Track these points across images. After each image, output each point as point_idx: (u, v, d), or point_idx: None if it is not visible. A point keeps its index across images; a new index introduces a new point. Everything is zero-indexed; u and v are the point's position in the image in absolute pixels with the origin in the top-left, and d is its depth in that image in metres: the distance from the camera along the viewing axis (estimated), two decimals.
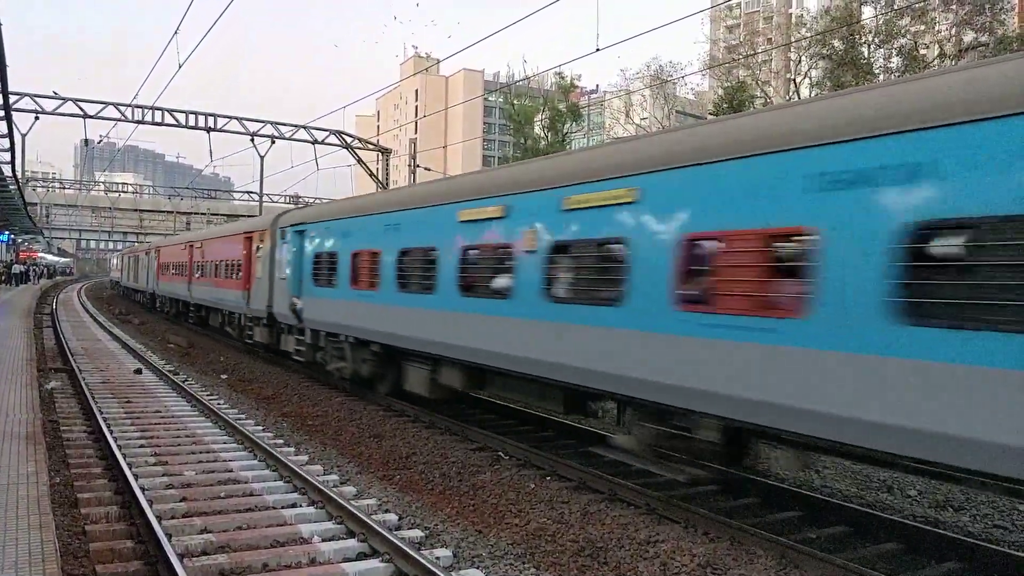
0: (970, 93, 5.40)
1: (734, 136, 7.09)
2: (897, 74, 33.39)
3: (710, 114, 43.79)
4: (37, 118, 32.16)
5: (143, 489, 8.00)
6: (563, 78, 58.93)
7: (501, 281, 9.96)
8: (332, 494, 8.00)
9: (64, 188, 76.02)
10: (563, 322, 8.80)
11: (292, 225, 17.57)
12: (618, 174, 8.17)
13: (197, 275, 28.03)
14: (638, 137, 10.51)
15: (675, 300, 7.26)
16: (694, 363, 7.06)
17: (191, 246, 29.56)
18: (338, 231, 15.21)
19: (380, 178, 41.36)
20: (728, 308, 6.76)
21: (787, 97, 41.74)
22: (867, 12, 36.52)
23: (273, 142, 38.46)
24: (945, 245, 5.36)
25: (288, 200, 65.92)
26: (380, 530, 6.93)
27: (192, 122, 35.88)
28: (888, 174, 5.64)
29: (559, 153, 12.23)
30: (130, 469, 8.67)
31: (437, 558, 6.65)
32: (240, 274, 21.57)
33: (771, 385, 6.37)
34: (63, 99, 33.27)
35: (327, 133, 39.13)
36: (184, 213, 73.38)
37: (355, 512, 7.40)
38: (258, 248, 20.06)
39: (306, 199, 64.90)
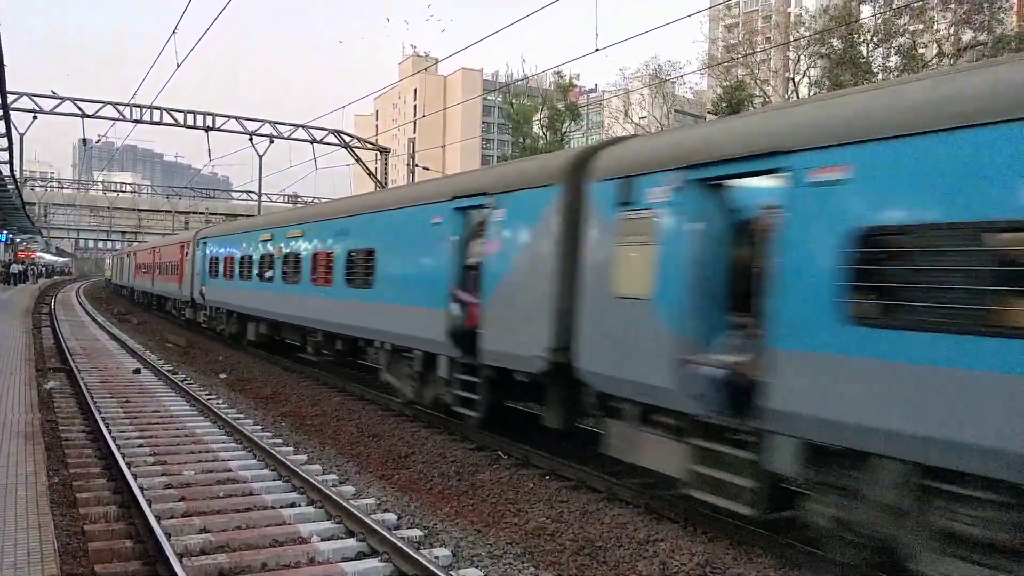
0: (370, 203, 14.45)
1: (301, 215, 19.01)
2: (896, 73, 33.40)
3: (709, 113, 43.83)
4: (35, 117, 32.20)
5: (142, 489, 7.99)
6: (562, 77, 58.88)
7: (269, 273, 18.87)
8: (331, 493, 8.00)
9: (62, 188, 75.90)
10: (287, 294, 17.52)
11: (202, 238, 26.62)
12: (299, 223, 17.63)
13: (156, 273, 36.30)
14: (307, 207, 24.62)
15: (312, 280, 16.07)
16: (301, 308, 16.57)
17: (154, 251, 37.65)
18: (219, 243, 24.51)
19: (379, 177, 41.34)
20: (314, 282, 15.89)
21: (786, 96, 41.75)
22: (866, 11, 36.52)
23: (272, 141, 38.42)
24: (359, 258, 13.79)
25: (287, 199, 65.86)
26: (379, 529, 6.93)
27: (190, 121, 35.86)
28: (342, 232, 14.59)
29: (288, 210, 27.07)
30: (129, 469, 8.66)
31: (436, 557, 6.66)
32: (178, 272, 30.18)
33: (319, 313, 15.54)
34: (61, 98, 33.25)
35: (326, 132, 39.10)
36: (183, 212, 73.23)
37: (354, 511, 7.40)
38: (187, 253, 28.42)
39: (304, 199, 64.91)
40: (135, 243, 62.13)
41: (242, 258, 21.38)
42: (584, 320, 8.25)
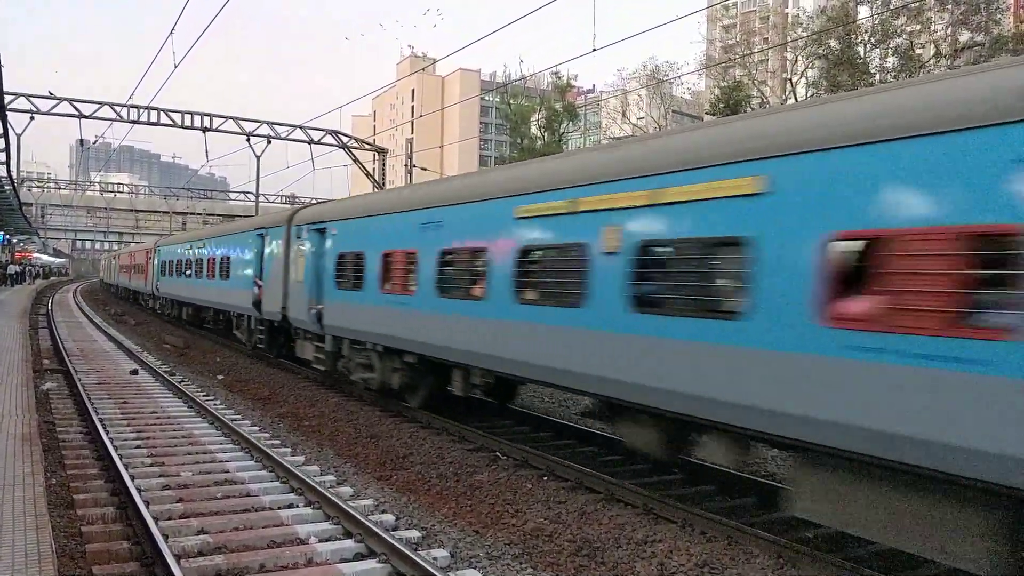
0: (227, 229, 25.79)
1: (205, 233, 29.45)
2: (893, 74, 33.43)
3: (707, 114, 43.85)
4: (32, 118, 32.12)
5: (140, 490, 7.99)
6: (559, 78, 58.92)
7: (189, 271, 27.57)
8: (329, 495, 7.99)
9: (59, 188, 75.75)
10: (197, 285, 26.44)
11: (158, 246, 35.76)
12: (203, 238, 26.91)
13: (132, 272, 45.51)
14: (205, 227, 41.22)
15: (207, 276, 25.04)
16: (203, 294, 25.81)
17: (131, 254, 48.05)
18: (166, 250, 33.32)
19: (377, 178, 41.31)
20: (207, 277, 25.03)
21: (783, 97, 41.78)
22: (863, 12, 36.58)
23: (269, 142, 38.35)
24: (223, 261, 23.14)
25: (284, 200, 65.81)
26: (377, 530, 6.93)
27: (188, 122, 35.80)
28: (217, 245, 24.26)
29: (204, 228, 37.93)
30: (126, 470, 8.65)
31: (434, 558, 6.65)
32: (144, 271, 39.48)
33: (209, 296, 24.95)
34: (58, 99, 33.18)
35: (323, 133, 39.07)
36: (180, 213, 73.21)
37: (352, 512, 7.40)
38: (151, 257, 37.20)
39: (302, 199, 64.90)
40: (131, 245, 62.94)
41: (177, 261, 30.41)
42: (289, 293, 16.71)
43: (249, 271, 19.87)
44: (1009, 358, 4.69)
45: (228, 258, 22.30)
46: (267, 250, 18.55)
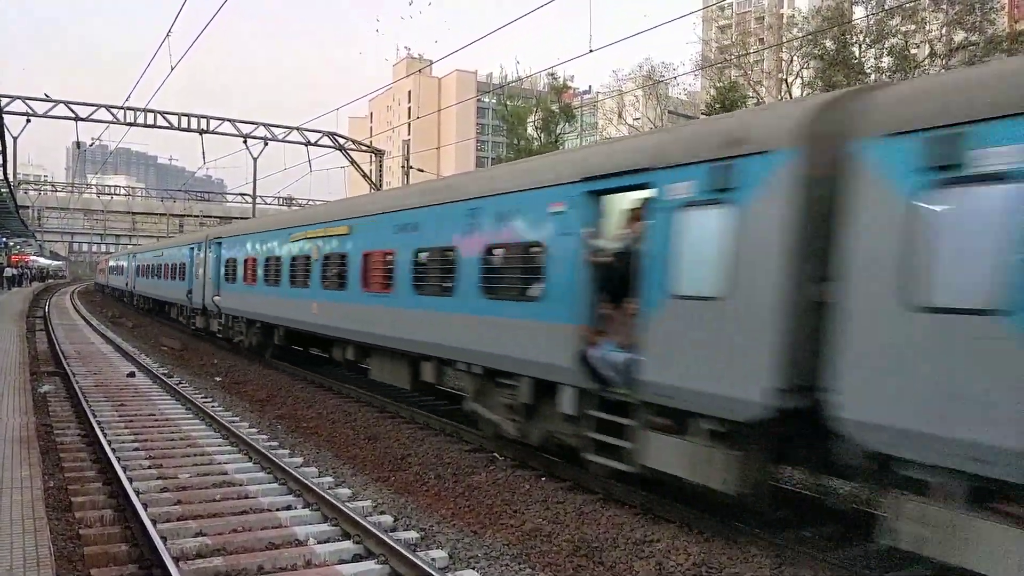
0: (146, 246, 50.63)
1: (125, 251, 56.75)
2: (888, 75, 33.52)
3: (702, 114, 43.87)
4: (29, 120, 32.06)
5: (138, 492, 7.99)
6: (556, 79, 58.91)
7: (121, 272, 51.40)
8: (327, 496, 8.00)
9: (56, 191, 75.50)
10: (123, 277, 50.06)
11: (110, 257, 64.36)
12: (122, 255, 55.73)
13: (101, 272, 68.14)
14: (134, 247, 58.08)
15: (141, 276, 41.71)
16: (124, 284, 50.51)
17: (103, 262, 69.90)
18: (112, 258, 62.18)
19: (373, 180, 41.31)
20: (118, 274, 54.88)
21: (779, 97, 41.84)
22: (858, 12, 36.64)
23: (266, 144, 38.33)
24: (152, 266, 42.25)
25: (281, 202, 65.72)
26: (375, 531, 6.93)
27: (184, 124, 35.78)
28: (150, 255, 40.32)
29: (123, 249, 60.87)
30: (124, 472, 8.65)
31: (433, 559, 6.67)
32: (104, 272, 66.25)
33: (117, 282, 54.75)
34: (55, 101, 33.13)
35: (320, 135, 39.06)
36: (177, 215, 73.06)
37: (350, 514, 7.41)
38: (108, 264, 63.58)
39: (300, 201, 64.85)
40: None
41: (116, 264, 53.78)
42: (131, 278, 45.27)
43: (124, 271, 44.27)
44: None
45: (123, 265, 46.61)
46: (130, 257, 42.09)
